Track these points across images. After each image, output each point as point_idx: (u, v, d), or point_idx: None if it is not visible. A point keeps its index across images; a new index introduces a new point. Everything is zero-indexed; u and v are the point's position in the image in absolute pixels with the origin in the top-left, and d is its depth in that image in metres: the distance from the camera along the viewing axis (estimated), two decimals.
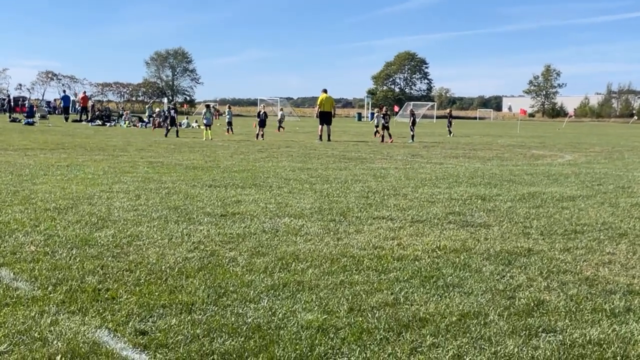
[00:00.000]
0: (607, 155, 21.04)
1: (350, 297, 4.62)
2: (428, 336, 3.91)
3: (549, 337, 3.97)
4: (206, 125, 25.77)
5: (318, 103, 26.57)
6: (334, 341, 3.80)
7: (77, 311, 4.20)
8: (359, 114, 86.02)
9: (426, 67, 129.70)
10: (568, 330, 4.08)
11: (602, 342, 3.90)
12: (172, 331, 3.88)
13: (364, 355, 3.63)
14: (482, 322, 4.18)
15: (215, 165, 14.08)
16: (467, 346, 3.79)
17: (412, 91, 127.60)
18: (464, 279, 5.18)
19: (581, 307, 4.57)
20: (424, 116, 78.94)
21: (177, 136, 26.41)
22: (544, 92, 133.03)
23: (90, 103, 46.54)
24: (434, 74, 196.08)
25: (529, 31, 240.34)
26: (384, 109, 28.81)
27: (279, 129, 35.49)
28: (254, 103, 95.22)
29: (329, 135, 25.94)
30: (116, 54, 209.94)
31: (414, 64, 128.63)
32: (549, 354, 3.71)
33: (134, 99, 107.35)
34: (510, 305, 4.56)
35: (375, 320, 4.15)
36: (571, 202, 9.52)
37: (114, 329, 3.90)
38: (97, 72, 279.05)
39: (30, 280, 4.84)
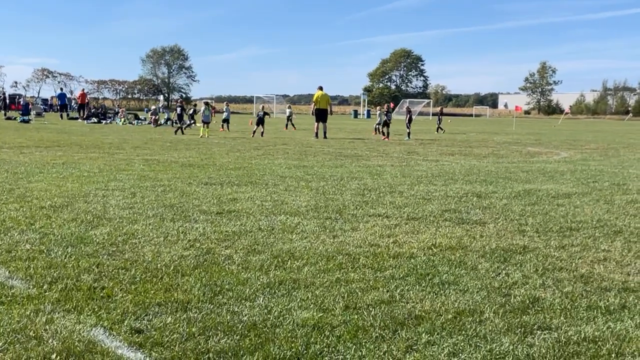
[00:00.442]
0: (602, 153, 21.09)
1: (346, 295, 4.62)
2: (423, 334, 3.91)
3: (544, 334, 3.98)
4: (204, 122, 25.77)
5: (314, 100, 26.56)
6: (330, 339, 3.80)
7: (72, 310, 4.19)
8: (355, 111, 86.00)
9: (422, 65, 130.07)
10: (563, 328, 4.09)
11: (597, 340, 3.91)
12: (167, 329, 3.88)
13: (360, 353, 3.63)
14: (477, 320, 4.19)
15: (211, 163, 14.07)
16: (462, 344, 3.80)
17: (408, 88, 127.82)
18: (459, 277, 5.18)
19: (576, 304, 4.58)
20: (420, 113, 79.05)
21: (183, 133, 26.78)
22: (540, 89, 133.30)
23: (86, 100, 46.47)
24: (430, 71, 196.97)
25: (524, 28, 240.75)
26: (386, 106, 28.64)
27: (286, 127, 35.22)
28: (250, 100, 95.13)
29: (325, 133, 25.93)
30: (112, 51, 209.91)
31: (410, 61, 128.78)
32: (544, 351, 3.71)
33: (129, 96, 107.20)
34: (505, 302, 4.57)
35: (371, 318, 4.16)
36: (567, 199, 9.54)
37: (109, 327, 3.90)
38: (93, 70, 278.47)
39: (26, 279, 4.83)
